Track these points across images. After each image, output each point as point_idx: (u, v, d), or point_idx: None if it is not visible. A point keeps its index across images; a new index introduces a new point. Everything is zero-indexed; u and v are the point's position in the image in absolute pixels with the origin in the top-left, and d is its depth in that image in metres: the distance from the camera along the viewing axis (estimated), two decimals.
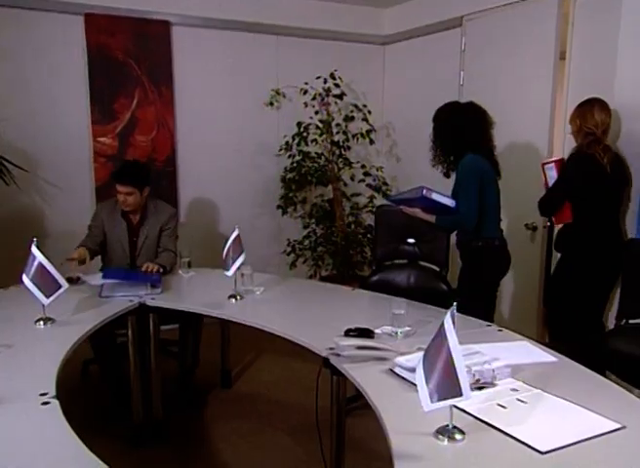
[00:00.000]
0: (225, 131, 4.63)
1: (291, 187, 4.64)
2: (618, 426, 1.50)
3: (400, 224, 3.18)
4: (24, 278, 2.30)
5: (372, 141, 4.65)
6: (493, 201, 2.92)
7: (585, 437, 1.45)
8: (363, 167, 4.79)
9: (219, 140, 4.61)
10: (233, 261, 2.68)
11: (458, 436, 1.46)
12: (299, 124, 4.53)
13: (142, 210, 3.32)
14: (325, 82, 4.50)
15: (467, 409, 1.59)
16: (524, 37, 3.77)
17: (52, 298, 2.32)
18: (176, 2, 4.32)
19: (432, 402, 1.38)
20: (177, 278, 3.19)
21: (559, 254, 3.23)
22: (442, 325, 1.41)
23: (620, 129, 3.15)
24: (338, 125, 4.63)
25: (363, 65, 5.05)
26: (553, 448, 1.40)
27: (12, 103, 3.96)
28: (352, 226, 4.78)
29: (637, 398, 1.69)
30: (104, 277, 2.91)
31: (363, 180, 4.81)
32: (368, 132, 4.60)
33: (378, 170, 4.83)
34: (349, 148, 4.70)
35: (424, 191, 2.84)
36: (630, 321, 2.52)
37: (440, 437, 1.47)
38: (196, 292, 2.98)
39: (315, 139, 4.58)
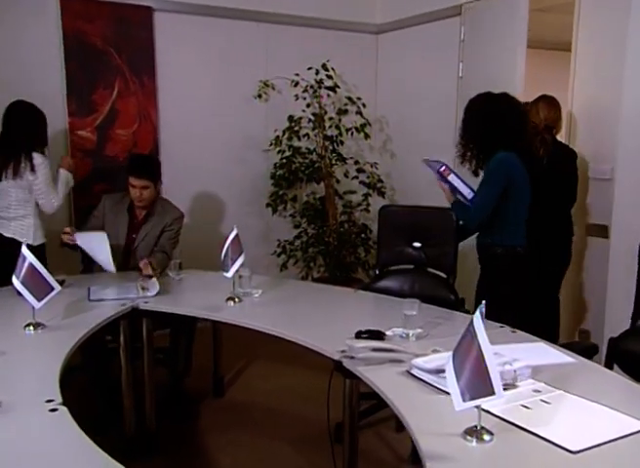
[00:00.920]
0: (211, 124, 4.67)
1: (281, 185, 4.70)
2: None
3: (405, 226, 3.19)
4: (15, 280, 2.32)
5: (367, 136, 4.72)
6: (519, 205, 2.93)
7: (615, 436, 1.53)
8: (357, 163, 4.87)
9: (204, 135, 4.65)
10: (233, 262, 2.73)
11: (486, 437, 1.54)
12: (290, 117, 4.59)
13: (150, 207, 3.40)
14: (317, 73, 4.57)
15: (492, 411, 1.66)
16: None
17: (43, 302, 2.34)
18: None
19: (464, 401, 1.45)
20: (167, 280, 3.21)
21: None
22: (471, 323, 1.49)
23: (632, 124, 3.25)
24: (331, 119, 4.70)
25: (355, 56, 5.11)
26: (584, 447, 1.48)
27: None
28: (345, 226, 4.85)
29: None
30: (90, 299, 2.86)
31: (356, 177, 4.88)
32: (363, 126, 4.67)
33: (372, 166, 4.90)
34: (342, 143, 4.77)
35: (442, 168, 2.88)
36: None
37: (468, 438, 1.54)
38: (191, 295, 3.02)
39: (307, 134, 4.64)
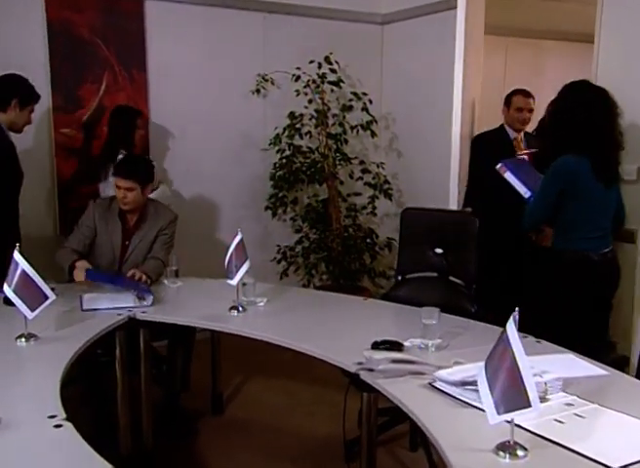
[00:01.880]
0: (206, 122, 4.69)
1: (281, 186, 4.73)
2: None
3: (427, 231, 3.23)
4: (6, 289, 2.34)
5: (373, 134, 4.76)
6: (583, 211, 2.93)
7: None
8: (362, 163, 4.91)
9: (198, 133, 4.67)
10: (237, 269, 2.76)
11: (520, 452, 1.57)
12: (291, 114, 4.62)
13: (141, 211, 3.40)
14: (319, 67, 4.61)
15: (523, 425, 1.70)
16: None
17: (37, 311, 2.36)
18: None
19: (499, 414, 1.49)
20: (163, 288, 3.24)
21: None
22: (504, 331, 1.52)
23: None
24: (334, 115, 4.74)
25: (359, 48, 5.15)
26: (625, 463, 1.51)
27: None
28: (350, 230, 4.89)
29: None
30: (88, 277, 2.97)
31: (361, 178, 4.92)
32: (368, 123, 4.71)
33: (378, 166, 4.94)
34: (347, 142, 4.81)
35: (499, 165, 2.95)
36: None
37: (501, 453, 1.57)
38: (191, 304, 3.05)
39: (309, 132, 4.68)
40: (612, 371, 2.12)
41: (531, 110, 4.16)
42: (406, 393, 1.94)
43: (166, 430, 3.29)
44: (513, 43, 5.87)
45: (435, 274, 3.22)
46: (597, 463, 1.52)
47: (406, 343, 2.33)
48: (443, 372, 1.99)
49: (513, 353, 1.49)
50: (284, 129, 4.68)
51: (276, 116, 4.75)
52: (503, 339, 1.52)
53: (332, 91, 4.73)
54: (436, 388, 1.97)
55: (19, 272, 2.34)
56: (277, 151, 4.73)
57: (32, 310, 2.35)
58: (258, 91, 4.74)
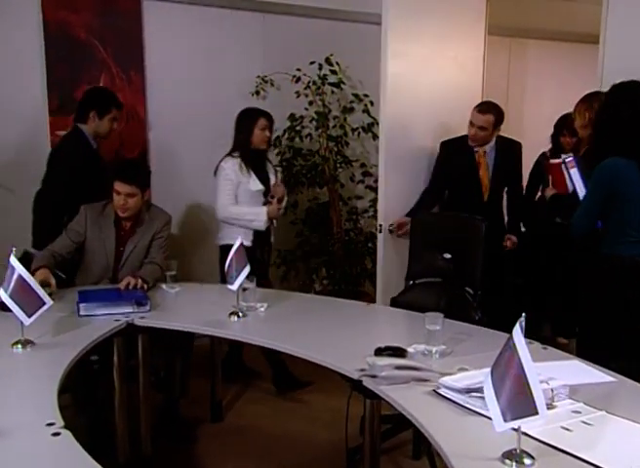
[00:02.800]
0: (205, 124, 4.68)
1: None
2: None
3: (437, 236, 3.25)
4: (2, 294, 2.34)
5: (375, 136, 4.77)
6: (632, 214, 2.81)
7: None
8: (363, 165, 4.91)
9: (196, 134, 4.67)
10: (237, 274, 2.76)
11: (527, 461, 1.57)
12: (291, 116, 4.63)
13: (137, 216, 3.39)
14: (320, 68, 4.62)
15: (529, 433, 1.70)
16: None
17: (34, 317, 2.36)
18: None
19: (505, 421, 1.49)
20: (162, 294, 3.24)
21: None
22: (510, 337, 1.52)
23: None
24: (335, 117, 4.75)
25: (360, 49, 5.14)
26: None
27: None
28: (351, 234, 4.89)
29: None
30: (80, 301, 2.90)
31: (362, 181, 4.93)
32: (370, 125, 4.72)
33: None
34: (348, 144, 4.82)
35: (570, 158, 2.99)
36: None
37: (507, 462, 1.57)
38: (190, 310, 3.05)
39: (310, 134, 4.68)
40: (619, 378, 2.12)
41: (482, 128, 3.90)
42: (409, 400, 1.94)
43: (164, 437, 3.29)
44: (517, 44, 5.88)
45: (440, 280, 3.24)
46: None
47: (409, 349, 2.33)
48: (447, 379, 1.99)
49: (520, 359, 1.49)
50: (284, 131, 4.69)
51: (276, 118, 4.70)
52: (510, 346, 1.52)
53: (332, 92, 4.74)
54: (440, 395, 1.97)
55: (15, 277, 2.34)
56: (277, 154, 4.74)
57: (29, 316, 2.36)
58: (257, 92, 4.74)
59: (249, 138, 3.89)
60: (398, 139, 4.04)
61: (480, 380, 1.73)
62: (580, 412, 1.85)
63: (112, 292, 3.11)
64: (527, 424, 1.53)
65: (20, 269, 2.35)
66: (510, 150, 4.06)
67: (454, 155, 4.06)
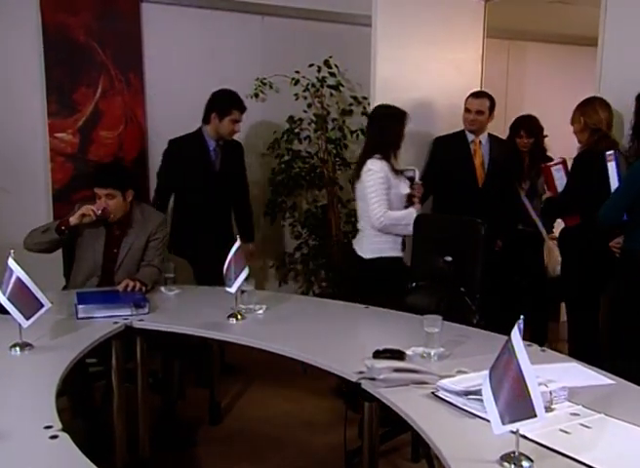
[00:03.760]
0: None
1: (279, 192, 4.74)
2: None
3: (438, 238, 3.25)
4: (0, 297, 2.33)
5: None
6: None
7: None
8: None
9: None
10: (236, 276, 2.76)
11: (525, 463, 1.57)
12: (290, 118, 4.64)
13: (127, 217, 3.38)
14: (319, 70, 4.62)
15: (528, 435, 1.69)
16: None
17: (32, 320, 2.36)
18: None
19: (504, 424, 1.49)
20: (160, 296, 3.24)
21: None
22: (509, 340, 1.52)
23: None
24: (334, 120, 4.75)
25: (359, 51, 5.13)
26: None
27: None
28: (350, 236, 4.88)
29: None
30: (79, 303, 2.90)
31: None
32: None
33: None
34: (346, 147, 4.82)
35: (611, 152, 3.18)
36: None
37: (506, 465, 1.57)
38: (188, 312, 3.04)
39: (309, 136, 4.69)
40: (618, 381, 2.12)
41: (480, 112, 4.04)
42: (408, 403, 1.94)
43: (163, 440, 3.29)
44: (515, 46, 5.89)
45: (441, 282, 3.23)
46: None
47: (408, 352, 2.33)
48: (446, 382, 1.99)
49: (518, 362, 1.49)
50: (283, 133, 4.70)
51: (275, 120, 4.76)
52: (508, 348, 1.52)
53: (331, 95, 4.75)
54: (439, 398, 1.97)
55: (13, 279, 2.34)
56: (276, 156, 4.75)
57: (27, 318, 2.35)
58: (256, 95, 4.74)
59: (398, 141, 3.58)
60: None
61: (479, 383, 1.73)
62: (578, 415, 1.85)
63: (111, 294, 3.11)
64: (525, 427, 1.53)
65: (18, 272, 2.35)
66: (503, 146, 4.19)
67: (449, 148, 4.14)
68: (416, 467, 3.13)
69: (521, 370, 1.48)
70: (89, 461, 1.56)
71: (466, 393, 1.91)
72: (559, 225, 3.87)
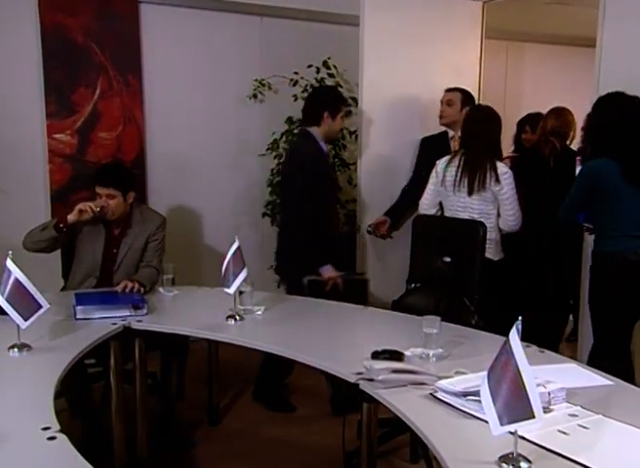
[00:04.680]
0: (202, 127, 4.71)
1: (279, 192, 4.72)
2: None
3: (437, 239, 3.26)
4: None
5: None
6: (614, 212, 3.11)
7: None
8: None
9: (194, 138, 4.68)
10: (234, 277, 2.76)
11: (523, 464, 1.57)
12: (289, 119, 4.64)
13: (126, 218, 3.38)
14: (317, 71, 4.63)
15: (526, 436, 1.69)
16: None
17: (30, 321, 2.36)
18: None
19: (502, 425, 1.49)
20: (158, 297, 3.24)
21: None
22: (507, 341, 1.52)
23: None
24: None
25: (357, 53, 5.14)
26: None
27: None
28: (350, 237, 4.88)
29: None
30: (77, 304, 2.89)
31: None
32: None
33: None
34: (345, 148, 4.82)
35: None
36: None
37: (504, 466, 1.57)
38: (187, 313, 3.04)
39: None
40: (616, 382, 2.12)
41: (449, 103, 4.08)
42: (407, 404, 1.94)
43: (161, 441, 3.28)
44: (514, 47, 5.90)
45: (440, 283, 3.24)
46: None
47: (407, 353, 2.32)
48: (444, 383, 1.99)
49: (516, 363, 1.49)
50: (282, 134, 4.70)
51: (274, 121, 4.76)
52: (506, 349, 1.52)
53: None
54: (437, 399, 1.96)
55: (12, 280, 2.34)
56: (275, 157, 4.74)
57: (25, 319, 2.35)
58: (255, 96, 4.76)
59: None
60: (378, 146, 4.27)
61: (477, 384, 1.73)
62: (577, 416, 1.85)
63: (109, 295, 3.10)
64: (524, 428, 1.53)
65: (16, 273, 2.35)
66: None
67: (432, 147, 4.17)
68: None
69: (519, 371, 1.48)
70: (87, 462, 1.56)
71: (465, 394, 1.91)
72: None
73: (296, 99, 4.66)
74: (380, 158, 4.40)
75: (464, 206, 3.55)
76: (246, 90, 4.75)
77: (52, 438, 1.68)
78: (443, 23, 4.42)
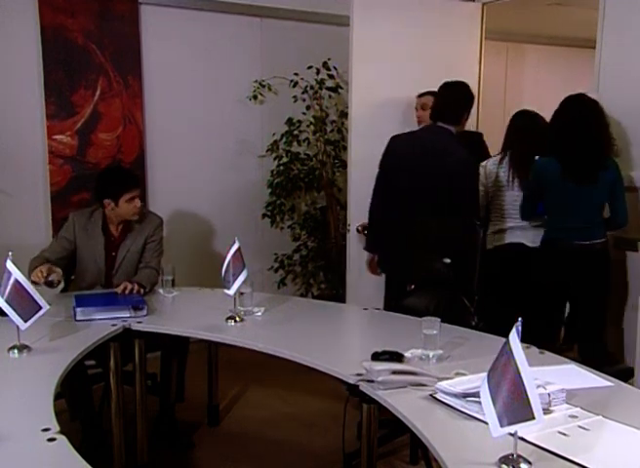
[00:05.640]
0: (202, 128, 4.70)
1: (278, 194, 4.74)
2: None
3: (437, 240, 3.23)
4: None
5: None
6: (552, 205, 3.45)
7: None
8: None
9: (194, 139, 4.68)
10: (234, 278, 2.76)
11: (523, 466, 1.57)
12: (289, 120, 4.64)
13: (125, 220, 3.39)
14: (317, 73, 4.63)
15: (526, 438, 1.69)
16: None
17: (30, 322, 2.36)
18: None
19: (502, 426, 1.49)
20: (158, 298, 3.24)
21: None
22: (507, 342, 1.52)
23: None
24: (332, 122, 4.76)
25: None
26: None
27: None
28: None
29: None
30: (77, 305, 2.89)
31: None
32: None
33: None
34: (345, 148, 4.82)
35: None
36: None
37: (504, 467, 1.57)
38: (187, 314, 3.05)
39: (307, 138, 4.69)
40: (616, 383, 2.12)
41: (424, 107, 3.93)
42: (407, 405, 1.94)
43: (161, 442, 3.29)
44: (514, 48, 5.91)
45: (439, 284, 3.24)
46: None
47: (406, 354, 2.32)
48: (444, 384, 1.99)
49: (516, 364, 1.49)
50: (282, 135, 4.71)
51: (274, 122, 4.76)
52: (506, 350, 1.52)
53: (330, 97, 4.76)
54: (437, 400, 1.97)
55: (12, 281, 2.34)
56: (275, 158, 4.75)
57: (25, 321, 2.35)
58: (255, 97, 4.75)
59: None
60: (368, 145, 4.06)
61: (477, 385, 1.73)
62: (576, 417, 1.85)
63: (109, 296, 3.10)
64: (524, 429, 1.54)
65: (16, 274, 2.35)
66: (470, 140, 4.03)
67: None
68: None
69: (519, 373, 1.49)
70: (86, 464, 1.56)
71: (465, 395, 1.91)
72: None
73: (296, 101, 4.67)
74: (370, 159, 4.35)
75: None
76: (246, 91, 4.75)
77: (52, 439, 1.68)
78: (442, 25, 4.41)
